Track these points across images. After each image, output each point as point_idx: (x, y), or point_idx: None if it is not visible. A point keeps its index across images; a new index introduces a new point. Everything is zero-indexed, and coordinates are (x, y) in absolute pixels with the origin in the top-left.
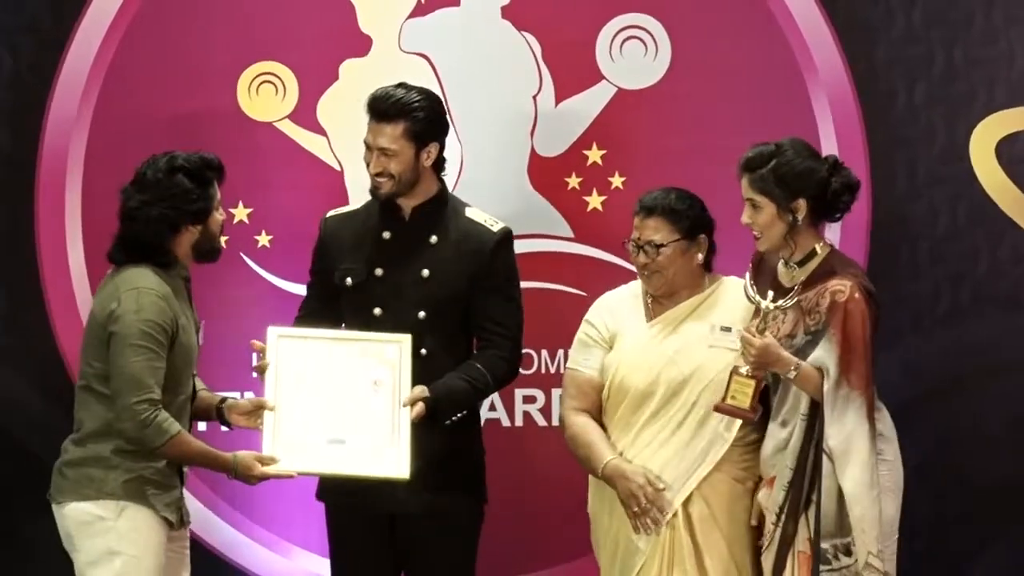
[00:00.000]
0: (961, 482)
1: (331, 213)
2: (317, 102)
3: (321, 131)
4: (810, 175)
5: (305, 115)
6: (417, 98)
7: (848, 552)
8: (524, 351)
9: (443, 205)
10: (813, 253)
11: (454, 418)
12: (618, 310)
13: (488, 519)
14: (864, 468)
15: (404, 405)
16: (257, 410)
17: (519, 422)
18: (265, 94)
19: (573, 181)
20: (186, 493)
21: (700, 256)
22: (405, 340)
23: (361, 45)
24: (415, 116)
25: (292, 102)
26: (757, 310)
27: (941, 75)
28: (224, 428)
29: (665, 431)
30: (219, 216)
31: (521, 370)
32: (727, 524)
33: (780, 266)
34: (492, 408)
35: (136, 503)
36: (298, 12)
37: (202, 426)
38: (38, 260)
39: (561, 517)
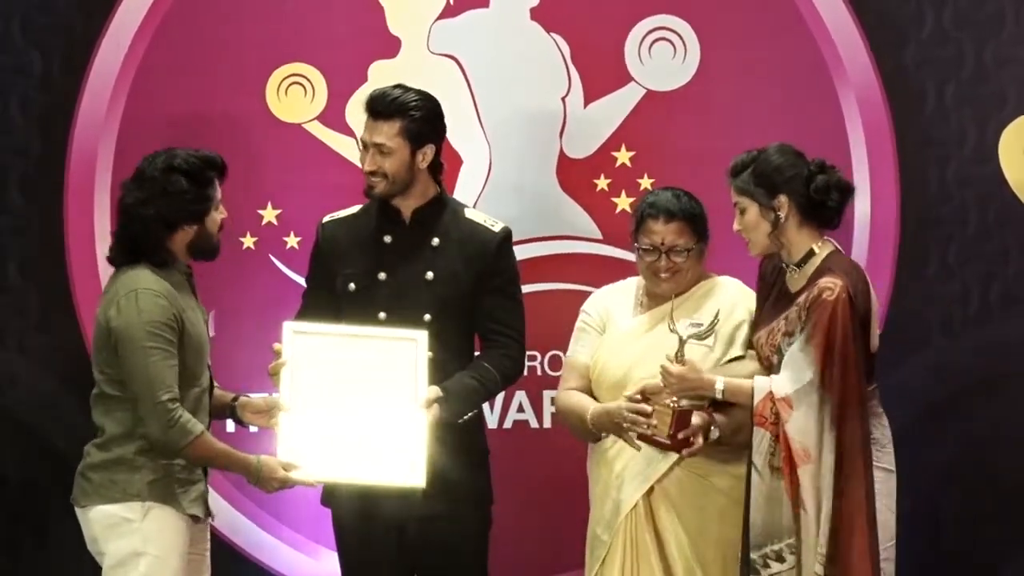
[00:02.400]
0: (991, 483)
1: (327, 218)
2: (346, 104)
3: (350, 133)
4: (787, 170)
5: (334, 117)
6: (415, 98)
7: (780, 558)
8: (552, 353)
9: (442, 207)
10: (811, 253)
11: (465, 417)
12: (612, 300)
13: (515, 522)
14: (828, 472)
15: (421, 408)
16: (272, 410)
17: (547, 423)
18: (294, 95)
19: (602, 183)
20: (213, 493)
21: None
22: (421, 337)
23: (390, 46)
24: (412, 115)
25: (321, 104)
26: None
27: (971, 76)
28: (242, 426)
29: None
30: (218, 216)
31: (550, 372)
32: (691, 518)
33: (787, 273)
34: (520, 410)
35: (162, 503)
36: (327, 13)
37: (230, 427)
38: (67, 260)
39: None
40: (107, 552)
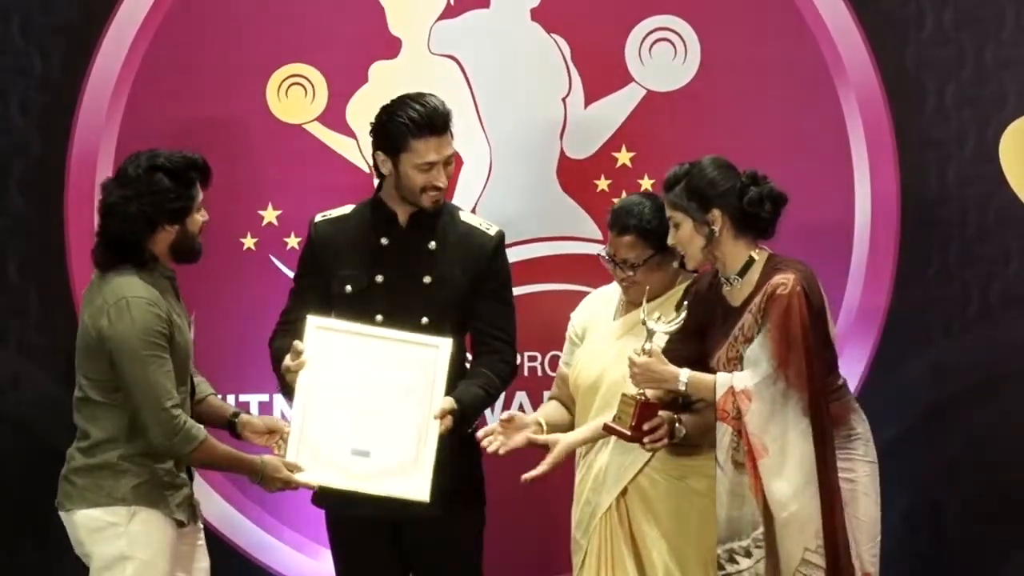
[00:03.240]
0: (992, 482)
1: (319, 217)
2: (346, 104)
3: (351, 133)
4: (720, 183)
5: (334, 117)
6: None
7: (747, 554)
8: (552, 353)
9: (439, 210)
10: (751, 261)
11: (472, 427)
12: (594, 307)
13: (511, 523)
14: (800, 466)
15: (435, 417)
16: (272, 433)
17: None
18: (294, 96)
19: (602, 183)
20: (215, 495)
21: (676, 263)
22: (444, 344)
23: (390, 47)
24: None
25: (321, 104)
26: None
27: (971, 76)
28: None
29: None
30: (199, 217)
31: (550, 372)
32: (668, 520)
33: (725, 287)
34: (520, 410)
35: (147, 507)
36: (328, 14)
37: None
38: (67, 260)
39: None
40: (93, 555)
